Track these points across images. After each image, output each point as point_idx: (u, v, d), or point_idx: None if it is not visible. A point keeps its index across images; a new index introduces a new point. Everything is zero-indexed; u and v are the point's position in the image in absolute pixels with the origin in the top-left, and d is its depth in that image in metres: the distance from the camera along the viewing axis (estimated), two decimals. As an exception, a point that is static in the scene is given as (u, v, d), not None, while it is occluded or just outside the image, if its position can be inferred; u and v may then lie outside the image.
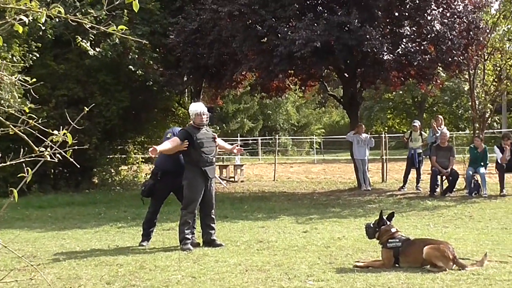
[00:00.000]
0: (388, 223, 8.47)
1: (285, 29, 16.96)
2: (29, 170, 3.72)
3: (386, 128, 58.04)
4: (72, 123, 3.88)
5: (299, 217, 13.91)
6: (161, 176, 10.55)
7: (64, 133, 3.68)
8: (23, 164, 3.88)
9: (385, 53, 16.86)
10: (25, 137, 3.85)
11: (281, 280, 7.41)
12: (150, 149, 9.95)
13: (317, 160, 44.21)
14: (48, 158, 3.76)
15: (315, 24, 16.70)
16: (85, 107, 4.16)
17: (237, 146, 11.29)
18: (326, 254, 9.04)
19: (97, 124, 20.80)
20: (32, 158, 3.86)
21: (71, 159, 3.82)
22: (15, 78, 14.61)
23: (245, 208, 15.90)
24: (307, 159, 46.35)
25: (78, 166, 4.46)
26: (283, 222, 13.23)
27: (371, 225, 8.63)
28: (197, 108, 10.29)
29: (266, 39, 17.77)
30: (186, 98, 26.09)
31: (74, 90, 20.35)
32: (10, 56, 17.91)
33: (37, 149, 3.78)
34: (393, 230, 8.35)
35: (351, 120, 21.60)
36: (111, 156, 24.33)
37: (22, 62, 18.23)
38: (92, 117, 20.07)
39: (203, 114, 10.16)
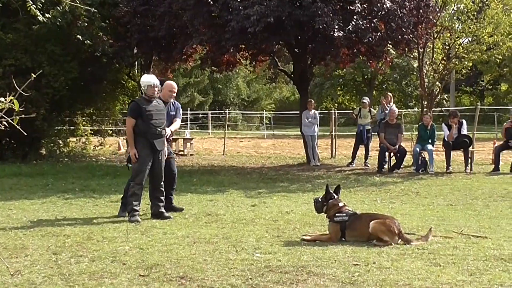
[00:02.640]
0: (336, 197, 8.55)
1: (237, 3, 16.87)
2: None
3: (336, 104, 58.47)
4: (19, 90, 3.80)
5: (248, 191, 14.00)
6: None
7: (11, 100, 3.62)
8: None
9: (335, 30, 16.91)
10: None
11: (228, 252, 7.45)
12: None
13: (267, 135, 44.38)
14: None
15: (268, 0, 16.66)
16: (33, 74, 4.03)
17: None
18: (273, 228, 9.11)
19: (45, 95, 20.47)
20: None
21: (18, 127, 3.76)
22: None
23: (194, 181, 15.91)
24: (257, 134, 46.51)
25: (25, 134, 4.39)
26: (231, 195, 13.30)
27: (319, 200, 8.69)
28: (150, 79, 10.25)
29: (218, 13, 17.64)
30: (136, 70, 25.86)
31: (22, 60, 19.95)
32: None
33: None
34: (340, 204, 8.43)
35: (301, 96, 21.68)
36: (59, 128, 24.08)
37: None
38: (40, 88, 19.77)
39: (155, 87, 10.12)
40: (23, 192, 13.89)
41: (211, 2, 17.38)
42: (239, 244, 7.92)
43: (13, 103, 3.67)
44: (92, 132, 26.94)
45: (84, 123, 26.40)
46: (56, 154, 22.91)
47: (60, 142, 23.96)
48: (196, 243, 8.02)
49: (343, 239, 8.10)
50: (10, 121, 3.77)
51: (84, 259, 7.17)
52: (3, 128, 3.82)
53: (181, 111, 11.41)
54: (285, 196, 13.26)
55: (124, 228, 9.07)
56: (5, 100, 3.70)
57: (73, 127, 25.53)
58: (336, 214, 8.27)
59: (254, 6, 16.36)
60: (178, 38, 20.13)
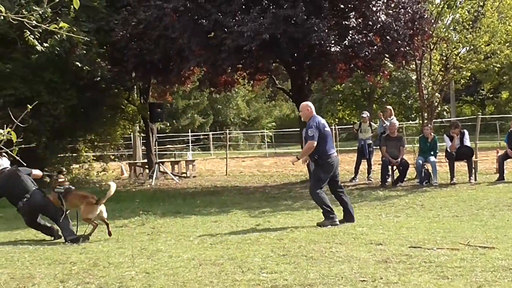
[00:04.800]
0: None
1: (232, 23, 16.92)
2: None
3: (336, 120, 58.47)
4: (16, 121, 3.80)
5: (252, 211, 13.95)
6: None
7: (8, 132, 3.62)
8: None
9: (332, 45, 16.97)
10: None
11: (234, 273, 7.42)
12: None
13: (269, 153, 44.36)
14: None
15: (262, 18, 16.69)
16: (28, 105, 4.03)
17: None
18: (279, 247, 9.07)
19: (46, 123, 20.51)
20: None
21: (18, 158, 3.76)
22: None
23: (198, 203, 15.90)
24: (259, 153, 46.49)
25: (25, 164, 4.41)
26: (235, 216, 13.26)
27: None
28: None
29: (213, 33, 17.69)
30: (135, 95, 25.92)
31: (21, 90, 19.95)
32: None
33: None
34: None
35: (301, 113, 21.65)
36: (61, 155, 24.11)
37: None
38: (40, 116, 19.82)
39: None
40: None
41: (206, 22, 17.41)
42: (245, 264, 7.88)
43: (10, 134, 3.66)
44: (94, 158, 26.98)
45: (86, 149, 26.46)
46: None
47: (63, 169, 23.95)
48: (202, 265, 7.99)
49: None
50: (10, 152, 3.76)
51: (91, 286, 7.16)
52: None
53: None
54: (289, 214, 13.20)
55: (130, 253, 9.05)
56: (3, 131, 3.69)
57: (75, 154, 25.57)
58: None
59: (248, 23, 16.39)
60: (175, 60, 20.21)
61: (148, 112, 23.93)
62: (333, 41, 17.08)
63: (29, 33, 18.78)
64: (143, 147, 30.24)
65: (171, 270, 7.77)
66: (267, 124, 64.07)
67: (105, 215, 11.19)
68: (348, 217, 11.53)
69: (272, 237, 10.05)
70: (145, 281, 7.22)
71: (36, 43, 19.14)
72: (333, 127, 24.62)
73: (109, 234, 10.96)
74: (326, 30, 16.83)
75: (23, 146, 4.29)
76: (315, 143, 11.33)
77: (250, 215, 13.36)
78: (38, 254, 9.45)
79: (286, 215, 13.06)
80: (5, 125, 3.78)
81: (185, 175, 25.52)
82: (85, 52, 20.40)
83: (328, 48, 17.11)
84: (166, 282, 7.10)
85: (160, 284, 7.00)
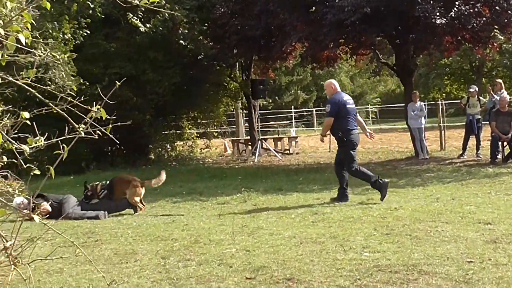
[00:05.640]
0: None
1: (332, -5, 16.67)
2: (65, 147, 3.62)
3: (444, 94, 57.05)
4: (105, 99, 3.75)
5: (355, 188, 13.66)
6: None
7: (98, 109, 3.56)
8: (60, 143, 3.80)
9: (437, 17, 16.43)
10: (66, 115, 3.75)
11: (336, 252, 7.26)
12: None
13: (374, 129, 43.52)
14: (83, 134, 3.66)
15: (364, -10, 16.34)
16: (117, 82, 3.97)
17: None
18: (382, 225, 8.83)
19: (150, 101, 20.89)
20: (69, 136, 3.78)
21: (111, 135, 3.72)
22: (67, 56, 14.76)
23: (300, 180, 15.79)
24: (363, 129, 45.85)
25: (118, 142, 4.39)
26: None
27: None
28: None
29: (314, 8, 17.45)
30: (237, 71, 25.98)
31: (126, 68, 20.36)
32: (62, 35, 18.02)
33: (77, 126, 3.68)
34: None
35: (406, 88, 21.23)
36: (166, 132, 24.52)
37: (73, 40, 18.35)
38: (145, 94, 20.18)
39: None
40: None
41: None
42: (347, 243, 7.71)
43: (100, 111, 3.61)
44: (198, 135, 27.27)
45: (189, 126, 26.77)
46: (164, 159, 23.35)
47: (168, 146, 24.41)
48: (302, 243, 7.87)
49: None
50: (104, 130, 3.72)
51: (192, 262, 7.15)
52: (96, 137, 3.77)
53: None
54: (393, 192, 12.86)
55: (231, 230, 9.03)
56: (94, 108, 3.64)
57: (179, 131, 25.92)
58: None
59: None
60: (277, 36, 20.09)
61: (250, 89, 23.94)
62: (438, 13, 16.55)
63: (131, 15, 19.09)
64: (246, 124, 30.35)
65: (271, 247, 7.68)
66: (372, 99, 63.31)
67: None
68: (340, 197, 11.82)
69: (375, 215, 9.81)
70: (245, 259, 7.15)
71: (139, 24, 19.44)
72: (440, 102, 23.85)
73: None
74: (431, 2, 16.35)
75: (119, 123, 4.28)
76: (332, 119, 11.58)
77: (353, 192, 13.09)
78: (141, 230, 9.56)
79: (390, 192, 12.68)
80: (94, 103, 3.73)
81: (288, 151, 25.45)
82: (187, 31, 20.53)
83: (433, 20, 16.57)
84: (266, 260, 7.02)
85: (260, 262, 6.92)
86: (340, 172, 11.96)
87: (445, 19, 17.00)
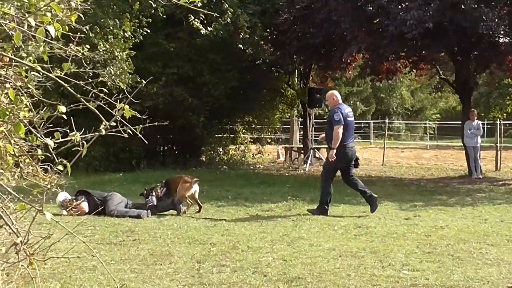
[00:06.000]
0: None
1: (396, 10, 16.41)
2: (85, 144, 3.58)
3: (504, 115, 55.85)
4: (129, 97, 3.70)
5: (403, 204, 13.46)
6: None
7: (122, 107, 3.50)
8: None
9: (501, 35, 16.08)
10: (96, 111, 3.70)
11: (374, 267, 7.13)
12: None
13: (430, 145, 43.21)
14: (103, 133, 3.62)
15: (428, 4, 16.06)
16: (143, 81, 3.93)
17: None
18: (425, 243, 8.66)
19: (206, 103, 20.93)
20: (91, 134, 3.74)
21: (140, 135, 3.66)
22: (125, 54, 14.91)
23: (348, 192, 15.49)
24: (420, 145, 45.38)
25: (147, 142, 4.33)
26: (385, 208, 12.81)
27: None
28: None
29: (375, 18, 17.27)
30: (296, 79, 25.86)
31: (184, 69, 20.46)
32: (122, 32, 18.20)
33: (107, 123, 3.64)
34: None
35: (464, 106, 20.86)
36: (219, 135, 24.55)
37: (133, 38, 18.52)
38: (200, 96, 20.23)
39: None
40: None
41: (370, 8, 17.04)
42: (387, 259, 7.57)
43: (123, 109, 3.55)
44: (251, 140, 27.23)
45: (243, 131, 26.75)
46: (215, 162, 23.34)
47: (220, 149, 24.42)
48: (341, 256, 7.75)
49: None
50: (134, 130, 3.68)
51: (226, 268, 7.10)
52: (126, 136, 3.73)
53: None
54: (441, 209, 12.59)
55: (270, 238, 8.95)
56: (118, 106, 3.59)
57: (232, 135, 25.93)
58: None
59: (411, 10, 15.80)
60: (337, 45, 19.93)
61: (307, 97, 23.81)
62: (502, 32, 16.18)
63: (192, 17, 19.17)
64: (300, 132, 30.22)
65: (309, 259, 7.59)
66: (431, 115, 62.43)
67: (197, 195, 11.94)
68: (372, 203, 11.80)
69: (420, 232, 9.63)
70: (281, 268, 7.07)
71: (201, 26, 19.51)
72: (498, 121, 23.37)
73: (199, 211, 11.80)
74: (496, 20, 15.98)
75: (155, 123, 4.25)
76: (342, 127, 11.45)
77: (400, 207, 12.90)
78: (181, 232, 9.54)
79: (438, 210, 12.48)
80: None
81: (340, 163, 25.19)
82: (248, 36, 20.52)
83: (496, 39, 16.20)
84: (301, 271, 6.93)
85: (296, 273, 6.83)
86: (350, 182, 12.10)
87: (509, 38, 16.61)
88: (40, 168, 4.73)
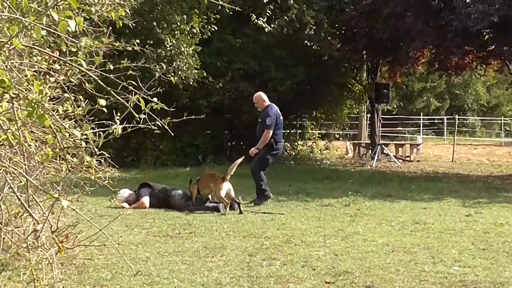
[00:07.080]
0: None
1: (461, 4, 16.16)
2: (101, 134, 3.69)
3: None
4: (144, 88, 3.79)
5: (466, 200, 13.25)
6: None
7: (137, 98, 3.59)
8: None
9: None
10: (127, 104, 3.80)
11: (425, 263, 7.09)
12: None
13: (505, 142, 42.24)
14: (119, 128, 3.72)
15: (494, -2, 15.78)
16: (157, 73, 4.01)
17: None
18: (481, 240, 8.54)
19: (272, 99, 20.94)
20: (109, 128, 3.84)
21: (167, 127, 3.75)
22: (192, 49, 15.17)
23: (412, 188, 15.44)
24: (494, 141, 44.42)
25: (172, 134, 4.42)
26: (447, 204, 12.65)
27: None
28: None
29: (442, 14, 17.03)
30: (363, 74, 25.71)
31: (250, 64, 20.58)
32: (189, 28, 18.45)
33: (137, 116, 3.75)
34: None
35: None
36: (287, 131, 24.58)
37: (201, 34, 18.75)
38: (266, 91, 20.26)
39: None
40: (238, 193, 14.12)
41: (435, 2, 16.82)
42: (439, 255, 7.51)
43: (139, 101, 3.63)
44: (319, 135, 27.20)
45: (312, 126, 26.72)
46: (282, 157, 23.36)
47: (288, 145, 24.45)
48: (394, 252, 7.73)
49: None
50: (162, 123, 3.77)
51: (276, 262, 7.16)
52: (155, 129, 3.83)
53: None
54: (505, 207, 12.30)
55: (325, 233, 8.96)
56: (133, 97, 3.69)
57: (300, 131, 25.94)
58: None
59: (477, 4, 15.52)
60: (404, 40, 19.75)
61: (374, 93, 23.65)
62: None
63: (255, 17, 19.29)
64: (369, 128, 30.05)
65: (360, 253, 7.59)
66: (508, 111, 61.05)
67: (232, 194, 11.50)
68: (261, 196, 12.42)
69: (478, 229, 9.50)
70: (330, 262, 7.10)
71: (264, 25, 19.59)
72: None
73: (240, 212, 11.14)
74: None
75: (184, 118, 4.33)
76: (271, 131, 12.32)
77: (463, 204, 12.71)
78: (237, 226, 9.65)
79: (501, 207, 12.24)
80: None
81: (408, 158, 24.99)
82: (313, 32, 20.47)
83: None
84: (350, 266, 6.94)
85: (344, 267, 6.85)
86: (260, 175, 12.51)
87: None
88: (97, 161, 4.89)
